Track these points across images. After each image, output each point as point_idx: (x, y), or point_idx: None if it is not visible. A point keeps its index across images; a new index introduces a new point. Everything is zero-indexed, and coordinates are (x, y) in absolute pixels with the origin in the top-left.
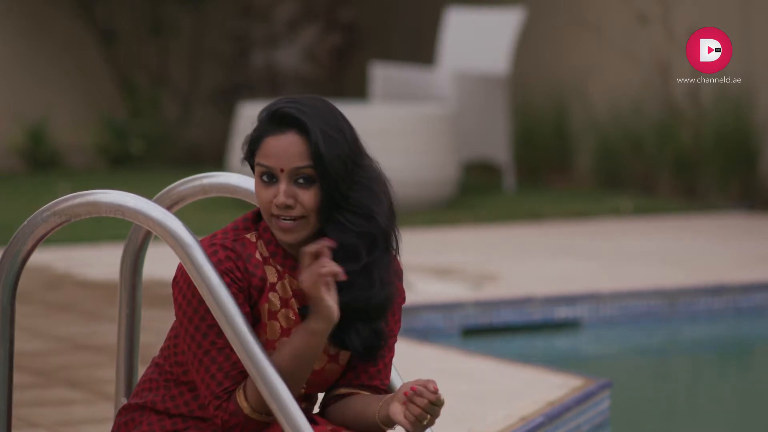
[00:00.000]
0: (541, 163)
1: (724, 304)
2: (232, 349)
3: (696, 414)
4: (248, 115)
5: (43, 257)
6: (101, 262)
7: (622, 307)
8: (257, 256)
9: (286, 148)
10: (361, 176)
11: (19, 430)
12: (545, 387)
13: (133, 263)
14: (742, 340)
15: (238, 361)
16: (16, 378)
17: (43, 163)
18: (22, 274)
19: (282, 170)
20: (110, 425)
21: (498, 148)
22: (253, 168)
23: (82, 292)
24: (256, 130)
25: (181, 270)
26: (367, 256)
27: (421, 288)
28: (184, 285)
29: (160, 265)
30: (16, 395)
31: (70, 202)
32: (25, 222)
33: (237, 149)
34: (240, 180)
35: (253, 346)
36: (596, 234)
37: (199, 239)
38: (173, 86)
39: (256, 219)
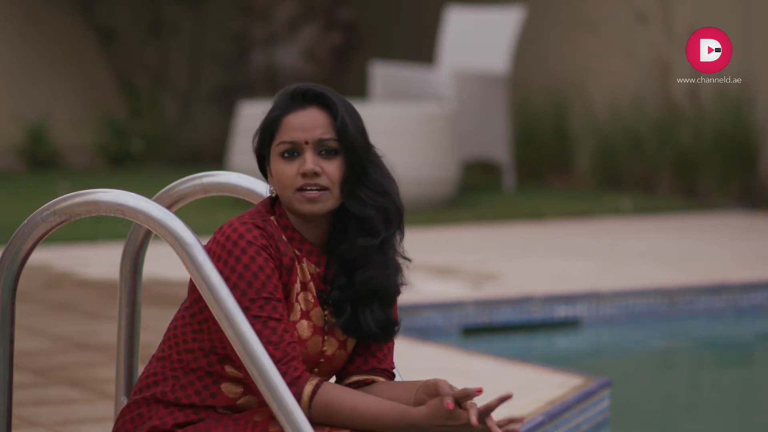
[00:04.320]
0: (541, 163)
1: (724, 303)
2: (277, 320)
3: (696, 413)
4: (248, 114)
5: (43, 256)
6: (101, 261)
7: (621, 306)
8: (283, 237)
9: (311, 121)
10: (373, 155)
11: (19, 429)
12: (545, 386)
13: (133, 262)
14: (742, 339)
15: (284, 333)
16: (16, 377)
17: (43, 163)
18: (22, 273)
19: (307, 142)
20: (110, 424)
21: (498, 148)
22: (263, 159)
23: (81, 291)
24: (273, 111)
25: (210, 250)
26: (384, 231)
27: (421, 287)
28: (219, 264)
29: (160, 264)
30: (16, 394)
31: (69, 202)
32: (25, 221)
33: (237, 148)
34: (240, 179)
35: (253, 345)
36: (596, 233)
37: (228, 221)
38: (173, 86)
39: (270, 206)
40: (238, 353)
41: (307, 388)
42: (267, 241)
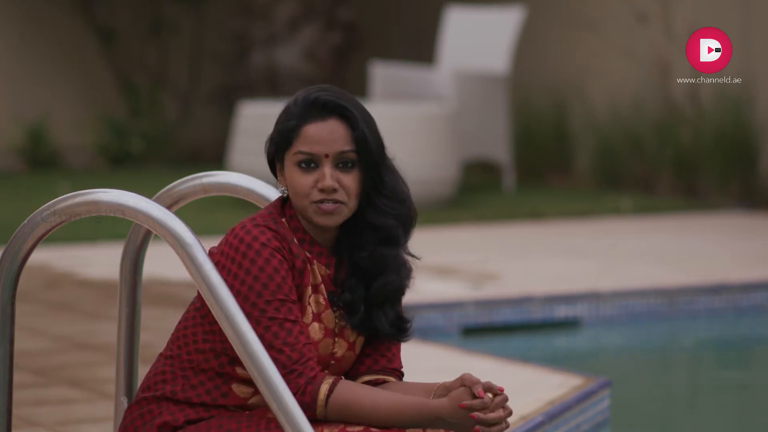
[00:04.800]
0: (541, 163)
1: (724, 303)
2: (293, 322)
3: (696, 413)
4: (248, 114)
5: (43, 256)
6: (101, 261)
7: (621, 306)
8: (295, 239)
9: (331, 134)
10: (389, 161)
11: (19, 429)
12: (545, 386)
13: (133, 262)
14: (742, 339)
15: (299, 334)
16: (16, 377)
17: (43, 163)
18: (22, 273)
19: (327, 156)
20: (110, 424)
21: (498, 148)
22: (276, 162)
23: (81, 291)
24: (290, 119)
25: (223, 253)
26: (404, 238)
27: (421, 287)
28: (233, 266)
29: (160, 264)
30: (16, 394)
31: (69, 202)
32: (25, 221)
33: (237, 148)
34: (239, 179)
35: (253, 345)
36: (596, 233)
37: (240, 222)
38: (173, 86)
39: (280, 207)
40: (238, 353)
41: (323, 387)
42: (280, 243)
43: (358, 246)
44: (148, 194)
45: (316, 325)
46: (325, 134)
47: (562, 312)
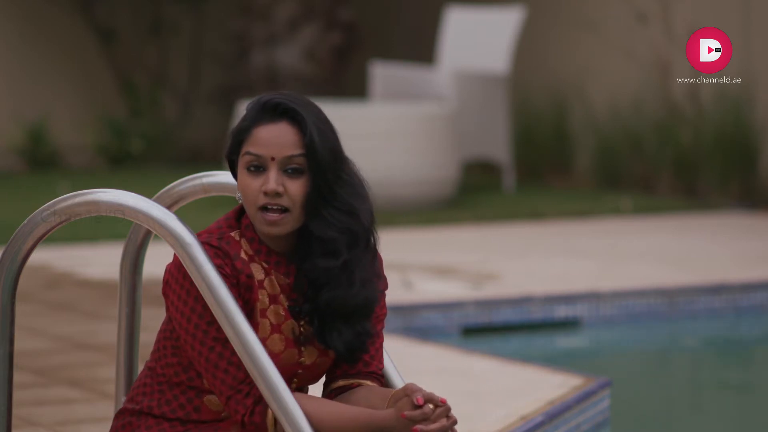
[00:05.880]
0: (541, 163)
1: (724, 303)
2: None
3: (696, 413)
4: None
5: (43, 256)
6: (101, 261)
7: (621, 306)
8: (242, 254)
9: (279, 137)
10: (345, 173)
11: (19, 429)
12: (545, 386)
13: (133, 262)
14: (742, 339)
15: None
16: (16, 377)
17: (43, 163)
18: (22, 273)
19: (273, 158)
20: (110, 424)
21: (498, 148)
22: (234, 164)
23: (81, 291)
24: (244, 121)
25: (170, 272)
26: (347, 253)
27: (421, 287)
28: (176, 286)
29: (160, 264)
30: (16, 394)
31: (69, 202)
32: (25, 221)
33: None
34: None
35: (253, 345)
36: (596, 233)
37: None
38: (173, 86)
39: (238, 217)
40: (238, 353)
41: (269, 416)
42: (222, 260)
43: (305, 255)
44: (148, 194)
45: (276, 336)
46: (273, 137)
47: (562, 312)
